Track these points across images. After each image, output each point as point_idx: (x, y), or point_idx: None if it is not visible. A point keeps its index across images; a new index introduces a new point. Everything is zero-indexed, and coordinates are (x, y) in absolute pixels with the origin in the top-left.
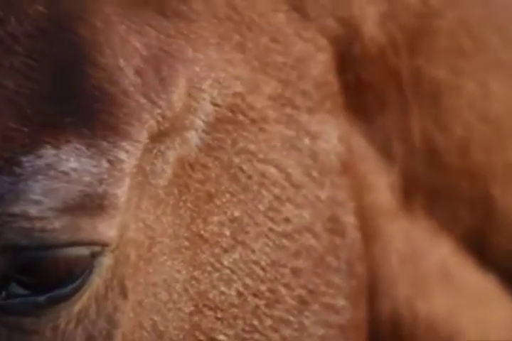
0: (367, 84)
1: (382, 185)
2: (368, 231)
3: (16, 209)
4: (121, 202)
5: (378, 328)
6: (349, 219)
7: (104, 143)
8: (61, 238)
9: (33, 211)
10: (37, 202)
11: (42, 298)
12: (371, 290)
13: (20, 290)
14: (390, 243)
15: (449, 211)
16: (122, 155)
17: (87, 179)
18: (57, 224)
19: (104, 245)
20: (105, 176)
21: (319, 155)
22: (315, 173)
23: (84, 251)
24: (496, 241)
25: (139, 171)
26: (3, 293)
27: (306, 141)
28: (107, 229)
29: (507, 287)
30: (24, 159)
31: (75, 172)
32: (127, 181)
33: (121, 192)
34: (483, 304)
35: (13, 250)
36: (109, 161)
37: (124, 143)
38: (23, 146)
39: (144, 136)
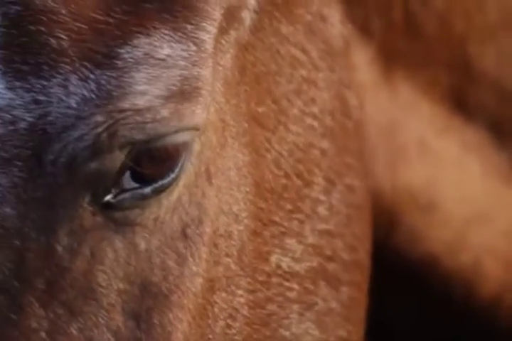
0: None
1: (362, 63)
2: None
3: (126, 103)
4: (209, 84)
5: None
6: (353, 101)
7: (188, 26)
8: (170, 126)
9: (141, 102)
10: (143, 92)
11: (147, 190)
12: None
13: (131, 184)
14: (370, 117)
15: (429, 75)
16: (205, 36)
17: (181, 63)
18: (164, 113)
19: (198, 129)
20: (195, 58)
21: (329, 38)
22: (328, 57)
23: (187, 136)
24: (474, 97)
25: (213, 51)
26: (114, 191)
27: (320, 24)
28: (202, 112)
29: (489, 134)
30: (122, 51)
31: (170, 58)
32: (210, 62)
33: (208, 73)
34: (460, 166)
35: (129, 145)
36: (195, 43)
37: (204, 24)
38: (116, 38)
39: (218, 14)
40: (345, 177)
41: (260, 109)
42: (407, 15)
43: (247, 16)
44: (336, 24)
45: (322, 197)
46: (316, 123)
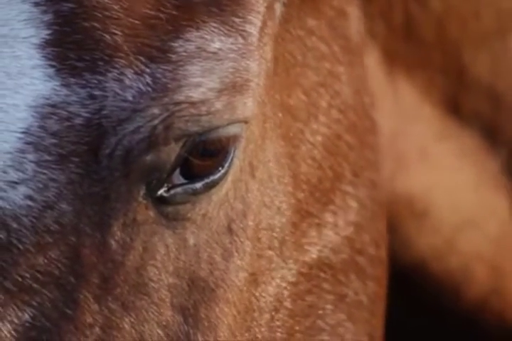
0: None
1: (372, 64)
2: None
3: (181, 96)
4: (257, 76)
5: None
6: (366, 99)
7: (236, 19)
8: (224, 118)
9: (195, 94)
10: (198, 85)
11: (199, 185)
12: None
13: (181, 180)
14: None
15: (426, 78)
16: (251, 29)
17: (232, 56)
18: (218, 105)
19: (247, 122)
20: (244, 51)
21: (349, 35)
22: (347, 53)
23: (237, 128)
24: (469, 102)
25: (258, 44)
26: (166, 185)
27: (341, 20)
28: (253, 104)
29: (483, 141)
30: (175, 44)
31: (221, 51)
32: (257, 54)
33: (256, 65)
34: (456, 172)
35: (184, 138)
36: (243, 36)
37: (250, 17)
38: (168, 32)
39: (262, 7)
40: (367, 171)
41: (291, 101)
42: (407, 18)
43: (278, 8)
44: (355, 21)
45: (351, 190)
46: (341, 117)
